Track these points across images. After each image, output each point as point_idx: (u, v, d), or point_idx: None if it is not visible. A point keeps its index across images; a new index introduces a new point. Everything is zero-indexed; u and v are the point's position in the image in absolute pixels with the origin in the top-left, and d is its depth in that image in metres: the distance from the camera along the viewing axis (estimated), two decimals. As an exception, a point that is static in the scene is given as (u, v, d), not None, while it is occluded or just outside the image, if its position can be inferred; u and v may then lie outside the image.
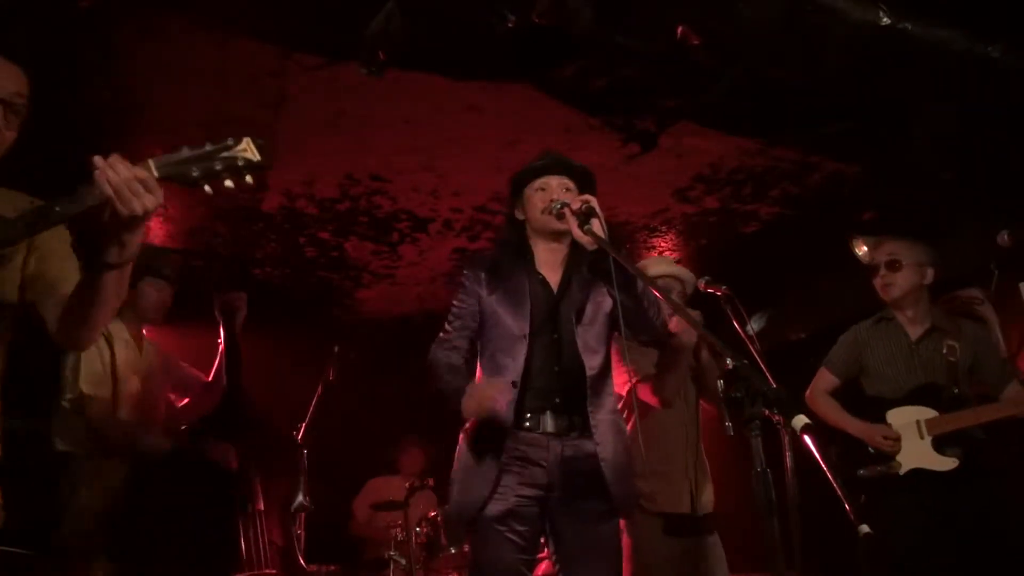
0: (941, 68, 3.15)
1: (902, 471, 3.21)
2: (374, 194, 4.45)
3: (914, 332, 3.41)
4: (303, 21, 3.01)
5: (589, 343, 2.44)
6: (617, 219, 4.88)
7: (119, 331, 3.37)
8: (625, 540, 3.05)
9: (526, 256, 2.53)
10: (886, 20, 2.82)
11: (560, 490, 2.34)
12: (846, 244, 4.62)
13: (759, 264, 5.26)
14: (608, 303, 2.48)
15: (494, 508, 2.31)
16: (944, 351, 3.32)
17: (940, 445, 3.21)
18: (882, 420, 3.31)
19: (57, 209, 1.55)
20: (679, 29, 2.88)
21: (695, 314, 3.07)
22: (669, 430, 3.23)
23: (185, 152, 1.57)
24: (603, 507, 2.37)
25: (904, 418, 3.29)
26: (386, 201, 4.53)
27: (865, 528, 2.11)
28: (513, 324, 2.42)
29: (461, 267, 2.57)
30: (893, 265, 3.41)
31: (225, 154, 1.56)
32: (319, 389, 4.49)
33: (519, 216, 2.58)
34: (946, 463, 3.19)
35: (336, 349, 4.60)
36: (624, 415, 3.25)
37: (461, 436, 2.49)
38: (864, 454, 3.29)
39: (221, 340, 3.52)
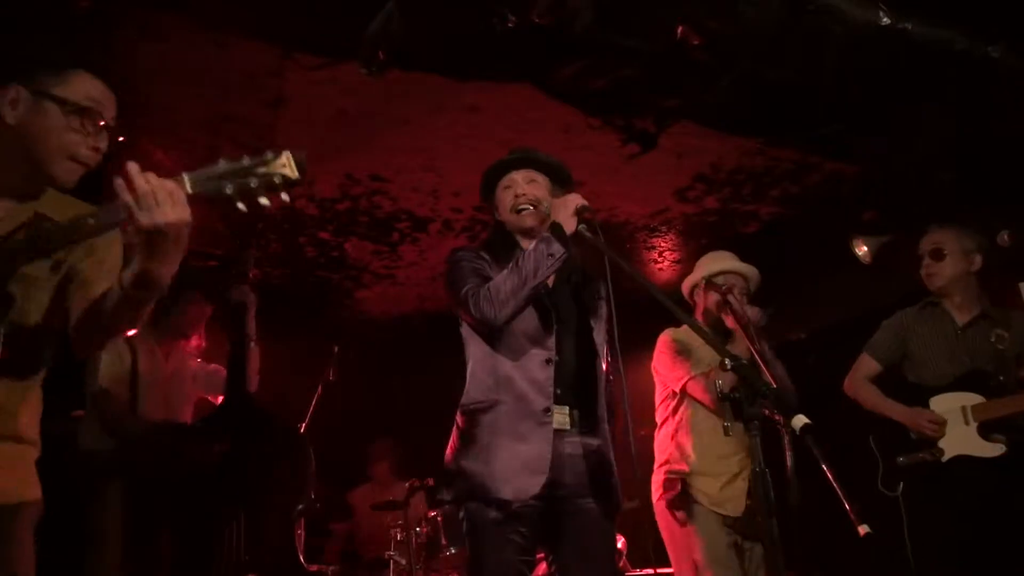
0: (941, 68, 3.15)
1: (945, 458, 3.13)
2: (374, 194, 4.45)
3: (961, 318, 3.31)
4: (303, 21, 3.01)
5: (594, 345, 2.41)
6: (617, 219, 4.89)
7: (143, 341, 3.38)
8: (685, 530, 3.10)
9: (515, 249, 2.44)
10: (886, 20, 2.82)
11: (562, 488, 2.28)
12: (846, 244, 4.62)
13: (759, 264, 5.25)
14: (604, 307, 2.47)
15: (497, 510, 2.23)
16: (992, 339, 3.23)
17: (986, 431, 3.11)
18: (924, 407, 3.23)
19: (91, 221, 1.52)
20: (679, 29, 2.88)
21: (754, 311, 3.09)
22: (723, 431, 3.12)
23: (222, 165, 1.50)
24: (602, 505, 2.33)
25: (948, 404, 3.19)
26: (386, 201, 4.53)
27: (865, 527, 2.10)
28: (532, 305, 2.33)
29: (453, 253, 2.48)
30: (936, 254, 3.32)
31: (262, 169, 1.48)
32: (319, 389, 4.49)
33: (498, 218, 2.54)
34: (992, 449, 3.09)
35: (336, 349, 4.60)
36: (675, 413, 3.29)
37: (463, 421, 2.38)
38: (904, 441, 3.22)
39: (253, 344, 3.51)
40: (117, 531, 3.10)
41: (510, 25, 2.73)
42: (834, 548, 3.39)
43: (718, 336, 3.20)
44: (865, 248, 4.56)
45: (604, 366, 2.45)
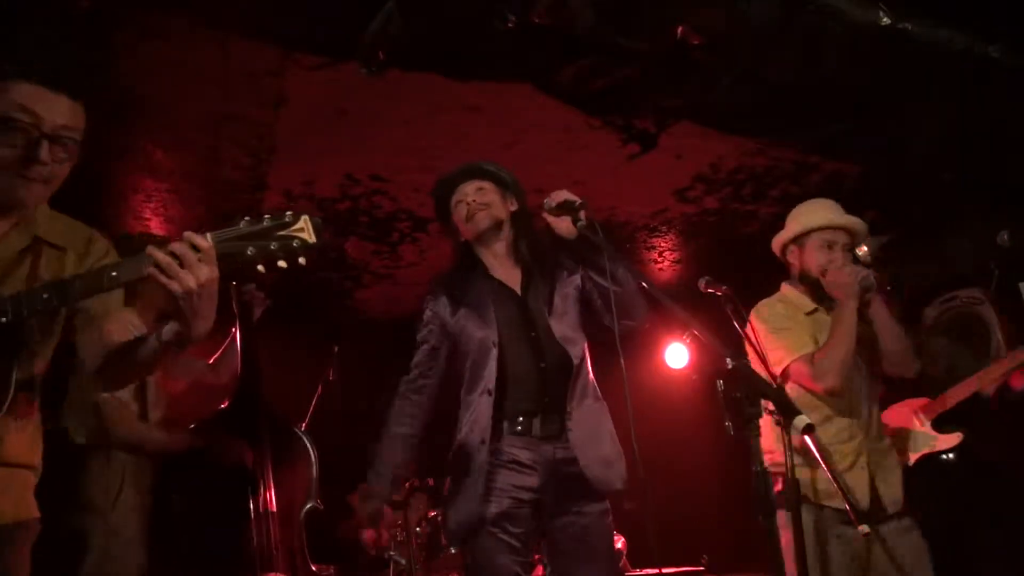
0: (941, 68, 3.15)
1: (911, 462, 3.24)
2: (374, 194, 4.45)
3: None
4: (303, 21, 3.01)
5: (567, 333, 2.44)
6: (617, 219, 4.88)
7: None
8: (784, 536, 2.49)
9: (478, 268, 2.55)
10: (886, 20, 2.83)
11: (552, 492, 2.34)
12: (846, 244, 4.58)
13: (759, 264, 5.25)
14: (574, 290, 2.50)
15: (488, 512, 2.31)
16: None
17: (940, 425, 3.27)
18: None
19: (113, 274, 1.53)
20: (679, 29, 2.88)
21: (865, 273, 2.65)
22: (831, 414, 2.66)
23: (243, 226, 1.53)
24: (595, 507, 2.38)
25: (898, 412, 3.35)
26: (386, 201, 4.53)
27: (865, 527, 2.11)
28: (480, 335, 2.43)
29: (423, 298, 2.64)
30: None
31: (281, 232, 1.52)
32: (319, 389, 4.49)
33: (460, 239, 2.62)
34: (951, 440, 3.23)
35: (336, 349, 4.60)
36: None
37: (452, 457, 2.51)
38: None
39: (235, 329, 3.48)
40: (133, 531, 3.07)
41: (510, 26, 2.73)
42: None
43: (822, 300, 2.78)
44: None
45: (584, 355, 2.47)
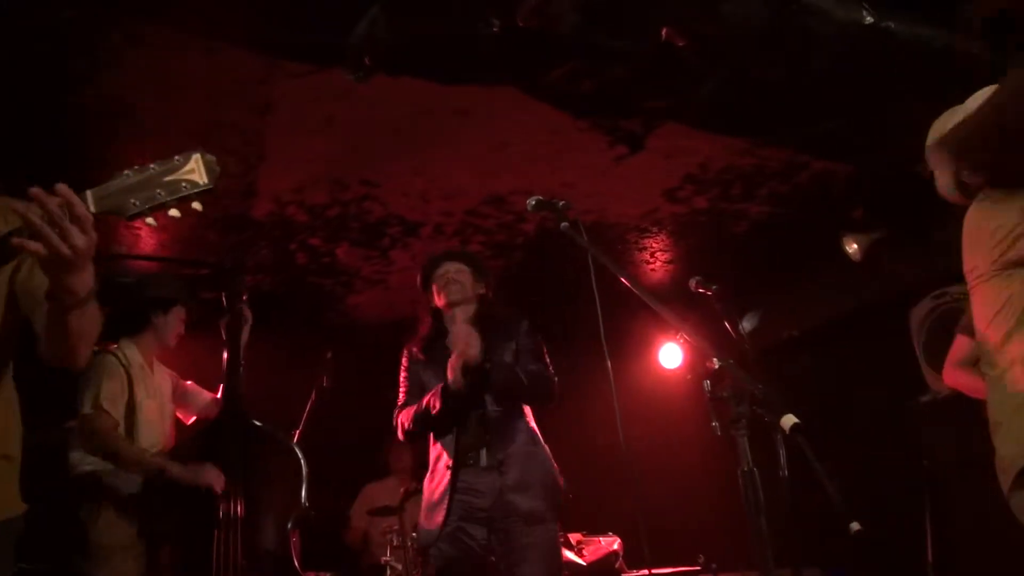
0: (926, 66, 3.16)
1: None
2: (364, 199, 4.44)
3: None
4: (290, 28, 3.01)
5: (497, 398, 3.02)
6: (607, 220, 4.89)
7: (134, 356, 3.34)
8: None
9: (445, 334, 3.13)
10: (869, 19, 2.84)
11: (500, 509, 2.86)
12: (836, 242, 4.64)
13: (750, 263, 5.27)
14: (511, 356, 3.08)
15: (448, 528, 2.87)
16: None
17: None
18: None
19: (11, 239, 1.39)
20: (664, 31, 2.89)
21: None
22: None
23: (128, 178, 1.39)
24: (536, 526, 2.87)
25: None
26: (376, 206, 4.53)
27: (856, 525, 2.11)
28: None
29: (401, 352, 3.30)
30: None
31: (168, 178, 1.39)
32: (313, 395, 4.48)
33: (435, 304, 3.22)
34: None
35: (329, 355, 4.59)
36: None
37: (427, 478, 3.06)
38: None
39: (226, 355, 3.51)
40: (120, 546, 3.08)
41: (495, 30, 2.74)
42: (828, 545, 3.40)
43: None
44: (855, 246, 4.58)
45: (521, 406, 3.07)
